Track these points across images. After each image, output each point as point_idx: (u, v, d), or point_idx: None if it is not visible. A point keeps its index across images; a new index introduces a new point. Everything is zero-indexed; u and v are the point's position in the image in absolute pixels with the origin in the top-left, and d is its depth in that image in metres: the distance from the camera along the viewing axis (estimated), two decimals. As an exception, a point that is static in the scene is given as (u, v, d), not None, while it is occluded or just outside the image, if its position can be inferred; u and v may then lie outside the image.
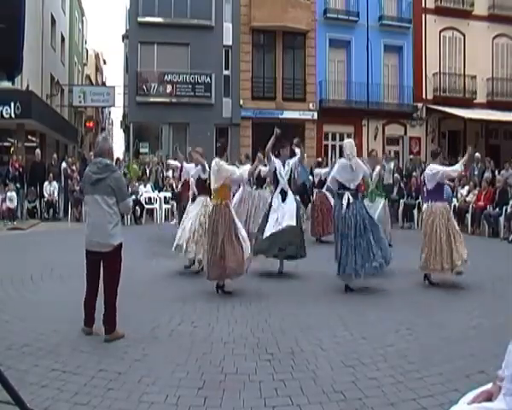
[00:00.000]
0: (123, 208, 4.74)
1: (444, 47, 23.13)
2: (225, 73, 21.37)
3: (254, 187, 10.71)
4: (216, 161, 6.34)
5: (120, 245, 4.69)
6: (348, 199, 6.41)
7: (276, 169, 7.51)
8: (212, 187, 6.44)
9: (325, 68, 21.93)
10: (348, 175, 6.49)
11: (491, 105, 22.80)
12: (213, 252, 6.13)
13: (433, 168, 6.76)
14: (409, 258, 6.90)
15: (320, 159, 13.56)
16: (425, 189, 6.90)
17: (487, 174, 14.51)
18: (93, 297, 4.71)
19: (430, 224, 6.63)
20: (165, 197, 15.50)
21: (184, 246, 7.24)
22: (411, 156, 21.28)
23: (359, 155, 21.65)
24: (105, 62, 49.87)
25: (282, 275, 7.59)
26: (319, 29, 21.88)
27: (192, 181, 7.94)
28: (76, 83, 28.90)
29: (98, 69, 44.46)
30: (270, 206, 7.47)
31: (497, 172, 14.80)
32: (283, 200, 7.40)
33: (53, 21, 22.99)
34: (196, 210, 7.39)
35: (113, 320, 4.60)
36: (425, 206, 6.93)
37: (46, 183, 14.83)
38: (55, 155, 16.98)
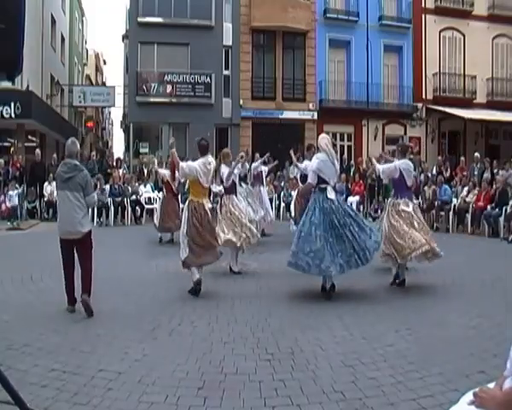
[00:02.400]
0: (89, 202, 5.55)
1: (444, 47, 23.14)
2: (225, 73, 21.38)
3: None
4: (205, 160, 6.38)
5: (90, 232, 5.52)
6: (331, 193, 6.23)
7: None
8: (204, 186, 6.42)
9: (325, 68, 21.94)
10: (329, 170, 6.25)
11: (490, 105, 22.80)
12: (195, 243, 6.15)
13: (411, 165, 6.79)
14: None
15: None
16: (400, 185, 6.80)
17: (487, 174, 14.51)
18: (71, 279, 5.43)
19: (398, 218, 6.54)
20: (165, 197, 15.47)
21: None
22: (411, 156, 21.25)
23: (359, 155, 21.61)
24: (105, 62, 49.87)
25: (283, 275, 7.58)
26: (319, 29, 21.90)
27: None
28: (76, 83, 28.91)
29: (98, 69, 44.47)
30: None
31: (495, 172, 14.78)
32: None
33: (53, 21, 22.99)
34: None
35: (89, 288, 5.38)
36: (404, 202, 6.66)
37: (46, 183, 14.82)
38: (54, 155, 16.97)
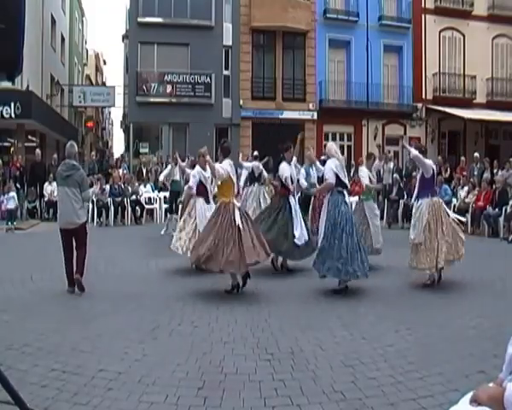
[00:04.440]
0: (85, 197, 6.42)
1: (443, 47, 23.13)
2: (225, 73, 21.37)
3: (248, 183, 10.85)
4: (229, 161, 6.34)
5: (85, 222, 6.52)
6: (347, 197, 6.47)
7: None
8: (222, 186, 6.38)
9: (325, 68, 21.94)
10: (343, 173, 6.46)
11: (490, 105, 22.79)
12: (215, 245, 5.97)
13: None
14: (408, 258, 6.92)
15: (324, 156, 13.39)
16: (426, 184, 6.91)
17: (486, 175, 14.50)
18: (70, 263, 6.26)
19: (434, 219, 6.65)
20: (165, 197, 15.49)
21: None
22: (411, 156, 21.24)
23: (359, 155, 21.64)
24: (105, 62, 49.88)
25: (282, 275, 7.59)
26: (319, 29, 21.89)
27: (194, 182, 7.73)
28: (76, 83, 28.90)
29: (98, 69, 44.46)
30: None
31: (495, 172, 14.77)
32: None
33: (53, 21, 22.99)
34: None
35: (82, 276, 6.26)
36: (429, 200, 6.77)
37: (46, 183, 14.81)
38: (55, 155, 16.95)
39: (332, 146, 6.76)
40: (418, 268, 6.79)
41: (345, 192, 6.48)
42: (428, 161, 7.02)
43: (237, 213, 6.10)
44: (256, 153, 12.12)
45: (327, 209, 6.38)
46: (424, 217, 6.65)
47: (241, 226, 5.97)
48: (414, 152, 6.93)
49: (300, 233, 7.26)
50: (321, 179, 8.48)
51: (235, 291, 6.37)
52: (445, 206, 7.03)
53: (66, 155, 6.57)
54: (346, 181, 6.56)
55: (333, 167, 6.34)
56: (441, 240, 6.53)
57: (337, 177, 6.34)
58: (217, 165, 6.26)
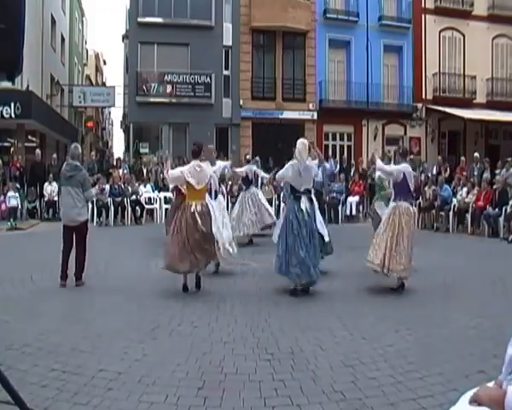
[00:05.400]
0: (87, 196, 6.83)
1: (443, 47, 23.12)
2: (225, 73, 21.37)
3: (244, 188, 10.77)
4: (196, 163, 6.45)
5: (87, 220, 6.94)
6: (305, 203, 6.27)
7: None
8: (195, 188, 6.40)
9: (325, 68, 21.93)
10: (297, 178, 6.27)
11: (490, 105, 22.78)
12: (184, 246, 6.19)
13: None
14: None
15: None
16: (397, 188, 6.65)
17: (486, 175, 14.50)
18: (67, 258, 6.60)
19: (398, 223, 6.42)
20: (165, 197, 15.48)
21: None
22: (411, 156, 21.20)
23: (359, 155, 21.55)
24: (105, 63, 49.87)
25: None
26: (319, 29, 21.88)
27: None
28: (76, 83, 28.89)
29: (98, 69, 44.46)
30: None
31: (497, 172, 14.75)
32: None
33: (53, 21, 22.99)
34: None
35: (82, 272, 6.67)
36: (394, 204, 6.56)
37: (46, 183, 14.81)
38: (54, 155, 16.96)
39: (300, 145, 6.36)
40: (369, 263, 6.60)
41: (302, 198, 6.26)
42: (397, 167, 6.63)
43: (197, 215, 6.26)
44: (249, 156, 12.12)
45: (285, 215, 6.48)
46: (384, 216, 6.67)
47: (203, 228, 6.24)
48: (378, 164, 6.80)
49: (323, 230, 7.04)
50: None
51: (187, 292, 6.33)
52: (410, 217, 6.62)
53: (70, 156, 6.98)
54: (303, 185, 6.29)
55: (289, 174, 6.29)
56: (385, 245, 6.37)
57: (291, 185, 6.34)
58: (170, 171, 6.61)
